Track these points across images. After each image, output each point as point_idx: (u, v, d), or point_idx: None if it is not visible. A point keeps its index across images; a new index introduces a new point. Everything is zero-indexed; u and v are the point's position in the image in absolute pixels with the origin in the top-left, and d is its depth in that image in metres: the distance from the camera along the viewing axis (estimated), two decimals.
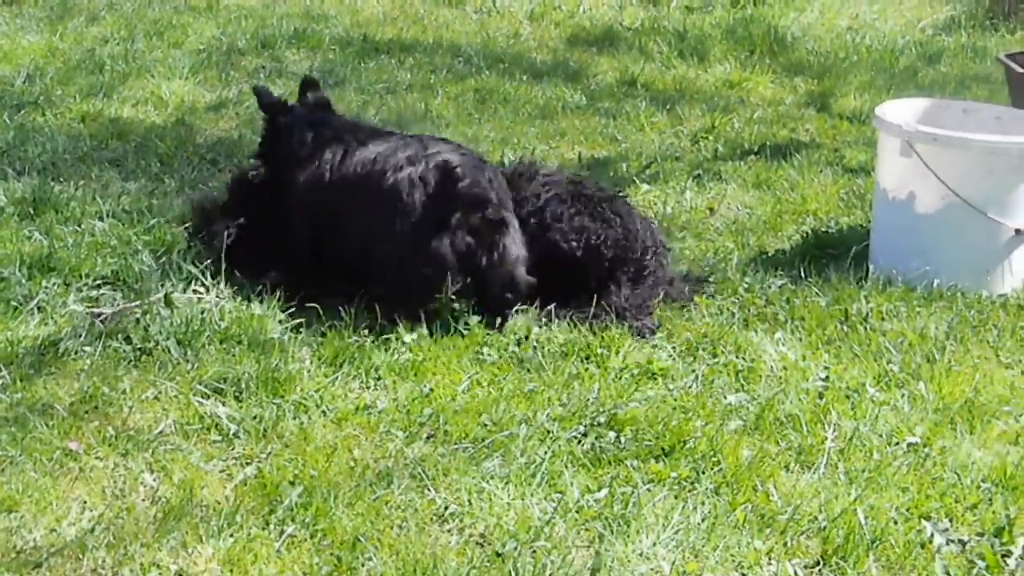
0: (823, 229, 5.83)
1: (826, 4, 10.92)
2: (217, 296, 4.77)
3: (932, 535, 3.60)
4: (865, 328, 4.85)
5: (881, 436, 4.12)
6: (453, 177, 4.72)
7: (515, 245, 4.78)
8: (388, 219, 4.74)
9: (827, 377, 4.46)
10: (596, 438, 4.05)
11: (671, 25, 9.99)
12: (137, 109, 7.29)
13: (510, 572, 3.38)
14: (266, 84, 5.63)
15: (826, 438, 4.08)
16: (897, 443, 4.09)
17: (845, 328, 4.86)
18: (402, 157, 4.83)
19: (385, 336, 4.58)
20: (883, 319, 4.94)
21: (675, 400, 4.30)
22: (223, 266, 4.93)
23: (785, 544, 3.57)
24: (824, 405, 4.27)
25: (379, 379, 4.36)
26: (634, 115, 7.63)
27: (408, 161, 4.80)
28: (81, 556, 3.38)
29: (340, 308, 4.70)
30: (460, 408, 4.17)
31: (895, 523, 3.66)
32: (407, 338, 4.56)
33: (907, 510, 3.73)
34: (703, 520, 3.64)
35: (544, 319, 4.80)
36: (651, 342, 4.69)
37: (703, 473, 3.87)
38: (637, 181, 6.42)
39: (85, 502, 3.62)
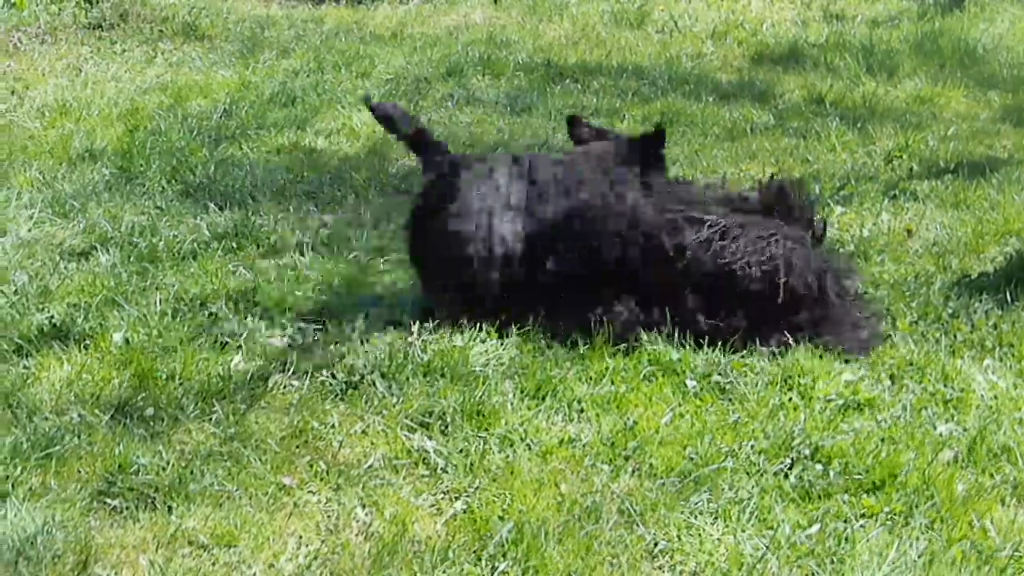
0: None
1: (1017, 15, 10.66)
2: (418, 329, 4.83)
3: None
4: None
5: None
6: None
7: None
8: None
9: None
10: (803, 471, 4.00)
11: (857, 40, 9.85)
12: (330, 140, 7.42)
13: None
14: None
15: None
16: None
17: None
18: None
19: (586, 368, 4.60)
20: None
21: (883, 431, 4.23)
22: None
23: None
24: None
25: (582, 411, 4.36)
26: (824, 134, 7.52)
27: None
28: None
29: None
30: (664, 440, 4.16)
31: None
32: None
33: None
34: (919, 557, 3.57)
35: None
36: (855, 369, 4.62)
37: (916, 507, 3.80)
38: (831, 203, 6.32)
39: (301, 537, 3.69)
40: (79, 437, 4.08)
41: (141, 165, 6.76)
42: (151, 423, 4.20)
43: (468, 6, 11.35)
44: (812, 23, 10.74)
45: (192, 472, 3.92)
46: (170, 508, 3.76)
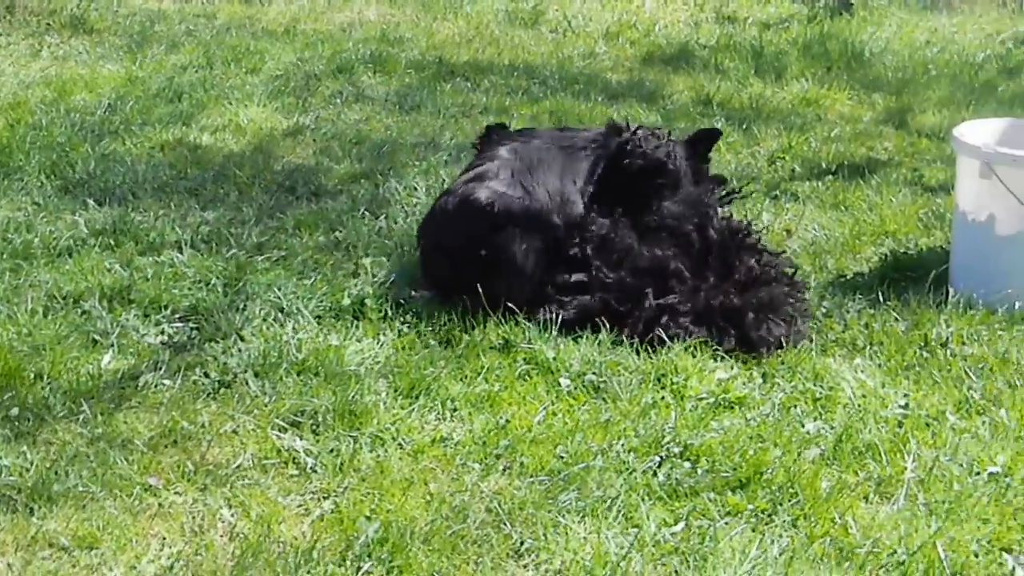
0: (902, 251, 5.77)
1: (904, 19, 10.83)
2: (294, 327, 4.81)
3: (1014, 568, 3.56)
4: (945, 353, 4.80)
5: (962, 466, 4.06)
6: None
7: None
8: None
9: (907, 404, 4.42)
10: (671, 469, 4.03)
11: (747, 42, 9.95)
12: (215, 137, 7.35)
13: None
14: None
15: (905, 468, 4.03)
16: (978, 473, 4.03)
17: (925, 353, 4.81)
18: None
19: (461, 366, 4.60)
20: (964, 344, 4.88)
21: (752, 429, 4.27)
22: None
23: None
24: (903, 434, 4.22)
25: (455, 410, 4.36)
26: None
27: None
28: None
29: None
30: (536, 439, 4.16)
31: (976, 556, 3.61)
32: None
33: (988, 542, 3.68)
34: (781, 554, 3.61)
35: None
36: (728, 367, 4.66)
37: (781, 505, 3.84)
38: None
39: (164, 539, 3.64)
40: None
41: (20, 160, 6.65)
42: (16, 423, 4.13)
43: (363, 3, 11.31)
44: (704, 24, 10.84)
45: (56, 473, 3.86)
46: (32, 510, 3.70)
